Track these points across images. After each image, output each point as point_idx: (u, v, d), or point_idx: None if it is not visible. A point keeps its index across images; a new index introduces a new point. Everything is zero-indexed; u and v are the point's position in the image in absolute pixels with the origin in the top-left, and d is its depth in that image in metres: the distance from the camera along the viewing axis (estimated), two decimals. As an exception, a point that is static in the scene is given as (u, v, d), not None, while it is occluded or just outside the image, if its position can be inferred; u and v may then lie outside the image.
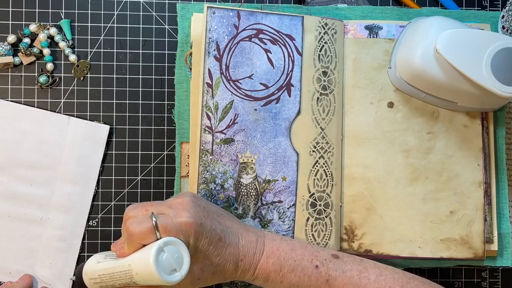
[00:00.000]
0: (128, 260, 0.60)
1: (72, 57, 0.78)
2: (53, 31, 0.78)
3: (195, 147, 0.74)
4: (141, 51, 0.80)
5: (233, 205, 0.74)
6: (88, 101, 0.79)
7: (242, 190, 0.74)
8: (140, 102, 0.79)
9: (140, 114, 0.79)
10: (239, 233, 0.66)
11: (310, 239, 0.75)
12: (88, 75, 0.79)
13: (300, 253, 0.67)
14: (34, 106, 0.78)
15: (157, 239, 0.59)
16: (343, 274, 0.67)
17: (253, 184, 0.74)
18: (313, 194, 0.75)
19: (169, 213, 0.61)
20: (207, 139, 0.73)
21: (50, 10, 0.79)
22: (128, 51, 0.80)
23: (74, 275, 0.76)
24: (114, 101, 0.79)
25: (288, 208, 0.75)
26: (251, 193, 0.74)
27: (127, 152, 0.79)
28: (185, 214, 0.61)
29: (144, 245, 0.60)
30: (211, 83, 0.73)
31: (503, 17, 0.80)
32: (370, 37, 0.78)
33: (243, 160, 0.74)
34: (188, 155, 0.77)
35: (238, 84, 0.74)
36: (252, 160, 0.74)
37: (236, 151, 0.74)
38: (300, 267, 0.67)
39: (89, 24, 0.79)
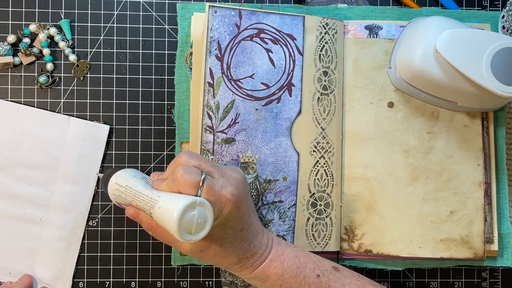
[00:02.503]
0: (160, 193, 0.60)
1: (72, 57, 0.78)
2: (53, 31, 0.78)
3: (196, 147, 0.74)
4: (141, 51, 0.80)
5: None
6: (88, 101, 0.79)
7: (243, 190, 0.74)
8: (140, 102, 0.79)
9: (140, 114, 0.79)
10: (257, 233, 0.66)
11: (311, 239, 0.75)
12: (88, 75, 0.79)
13: (303, 261, 0.67)
14: (34, 106, 0.78)
15: (196, 196, 0.59)
16: (343, 286, 0.67)
17: (254, 184, 0.74)
18: (314, 194, 0.75)
19: (218, 180, 0.61)
20: (208, 138, 0.73)
21: (50, 10, 0.79)
22: (128, 51, 0.79)
23: (100, 172, 0.76)
24: (114, 101, 0.79)
25: (288, 208, 0.75)
26: (252, 193, 0.74)
27: (127, 152, 0.79)
28: (231, 191, 0.61)
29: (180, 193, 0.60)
30: (212, 82, 0.73)
31: (503, 17, 0.80)
32: (370, 37, 0.78)
33: (244, 160, 0.74)
34: (188, 155, 0.77)
35: (239, 83, 0.74)
36: (253, 160, 0.74)
37: (237, 151, 0.73)
38: (302, 275, 0.67)
39: (89, 24, 0.79)
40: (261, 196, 0.74)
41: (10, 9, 0.79)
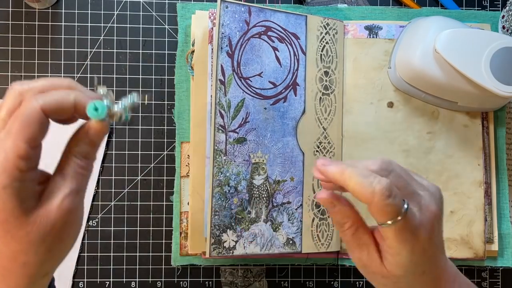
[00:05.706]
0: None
1: (72, 57, 0.78)
2: (53, 30, 0.78)
3: (196, 146, 0.74)
4: (141, 51, 0.79)
5: (247, 208, 0.72)
6: (88, 101, 0.79)
7: (255, 192, 0.73)
8: (140, 102, 0.79)
9: (140, 114, 0.79)
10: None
11: (316, 240, 0.75)
12: (88, 75, 0.79)
13: None
14: (34, 106, 0.78)
15: (383, 223, 0.48)
16: None
17: (264, 186, 0.73)
18: (317, 194, 0.75)
19: (416, 213, 0.49)
20: (220, 138, 0.71)
21: (50, 10, 0.79)
22: (128, 51, 0.79)
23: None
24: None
25: (296, 209, 0.74)
26: (263, 195, 0.73)
27: (127, 152, 0.79)
28: (426, 229, 0.48)
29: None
30: (223, 80, 0.72)
31: (503, 17, 0.80)
32: (370, 37, 0.78)
33: (255, 160, 0.73)
34: (188, 155, 0.77)
35: (249, 81, 0.73)
36: (263, 160, 0.73)
37: (249, 151, 0.73)
38: None
39: (89, 24, 0.79)
40: (271, 198, 0.73)
41: (10, 9, 0.78)
